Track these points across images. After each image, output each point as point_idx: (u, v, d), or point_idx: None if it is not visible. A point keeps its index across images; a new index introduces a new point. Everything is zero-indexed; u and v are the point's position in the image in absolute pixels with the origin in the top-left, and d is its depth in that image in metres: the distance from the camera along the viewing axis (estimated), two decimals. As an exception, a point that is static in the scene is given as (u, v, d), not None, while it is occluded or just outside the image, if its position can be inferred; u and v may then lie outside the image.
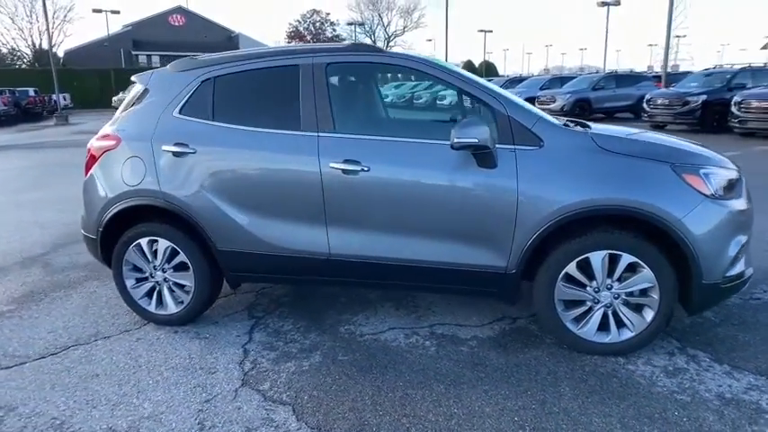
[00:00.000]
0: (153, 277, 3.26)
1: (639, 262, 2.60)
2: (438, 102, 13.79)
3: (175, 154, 3.06)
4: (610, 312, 2.72)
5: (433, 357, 2.83)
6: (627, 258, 2.62)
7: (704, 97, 12.93)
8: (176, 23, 48.91)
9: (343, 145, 2.86)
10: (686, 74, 21.58)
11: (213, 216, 3.03)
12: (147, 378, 2.72)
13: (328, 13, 57.15)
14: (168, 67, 3.35)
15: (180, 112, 3.13)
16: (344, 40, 57.26)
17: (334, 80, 3.12)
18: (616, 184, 2.58)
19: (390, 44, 59.51)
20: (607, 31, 40.55)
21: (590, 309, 2.75)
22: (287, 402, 2.47)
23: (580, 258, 2.66)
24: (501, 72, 69.51)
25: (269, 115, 3.05)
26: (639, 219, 2.56)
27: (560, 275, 2.70)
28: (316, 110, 2.91)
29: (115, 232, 3.25)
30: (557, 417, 2.30)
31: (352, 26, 52.59)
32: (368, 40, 58.03)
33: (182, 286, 3.23)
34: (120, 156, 3.16)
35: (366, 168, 2.80)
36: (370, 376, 2.67)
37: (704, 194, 2.57)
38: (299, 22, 57.52)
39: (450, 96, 3.14)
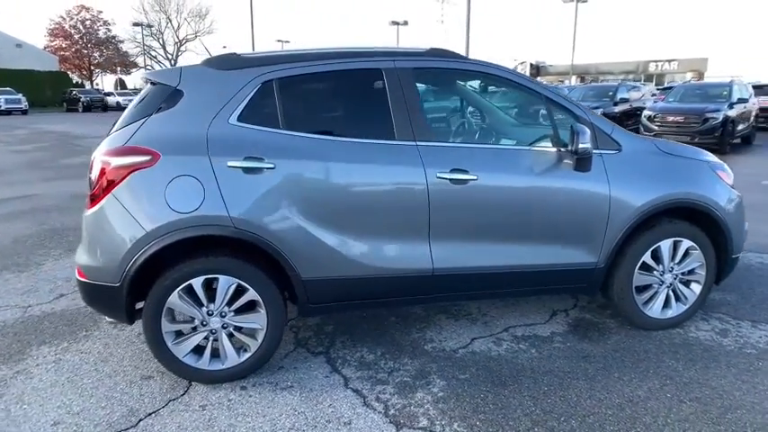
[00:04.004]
0: (205, 325, 2.60)
1: (694, 245, 3.10)
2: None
3: (247, 170, 2.52)
4: (670, 291, 3.17)
5: (543, 359, 2.89)
6: (686, 243, 3.09)
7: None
8: None
9: (447, 154, 2.74)
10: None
11: (299, 240, 2.58)
12: (276, 448, 2.19)
13: (100, 11, 50.11)
14: (203, 64, 2.72)
15: (239, 120, 2.58)
16: (122, 41, 51.12)
17: (422, 86, 2.95)
18: (681, 181, 3.03)
19: (181, 49, 55.46)
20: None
21: (656, 291, 3.15)
22: (466, 433, 2.27)
23: (654, 247, 3.05)
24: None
25: (354, 123, 2.74)
26: (699, 209, 3.05)
27: (638, 264, 3.05)
28: (410, 117, 2.72)
29: (148, 276, 2.51)
30: (694, 386, 2.60)
31: (139, 27, 47.34)
32: (156, 44, 53.11)
33: (241, 329, 2.66)
34: (162, 175, 2.46)
35: (475, 177, 2.72)
36: (512, 388, 2.61)
37: (730, 186, 3.20)
38: (64, 19, 49.55)
39: (516, 103, 3.25)
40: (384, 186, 2.67)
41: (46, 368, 2.87)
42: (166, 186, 2.45)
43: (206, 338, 2.63)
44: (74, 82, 47.46)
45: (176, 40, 54.40)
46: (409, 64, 2.80)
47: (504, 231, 2.84)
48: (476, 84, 3.62)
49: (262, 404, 2.51)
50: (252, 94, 2.62)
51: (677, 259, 3.11)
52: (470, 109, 3.47)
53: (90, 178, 2.58)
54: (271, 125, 2.61)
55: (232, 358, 2.65)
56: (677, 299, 3.19)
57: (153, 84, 2.72)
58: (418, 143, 2.71)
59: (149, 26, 49.84)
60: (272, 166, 2.54)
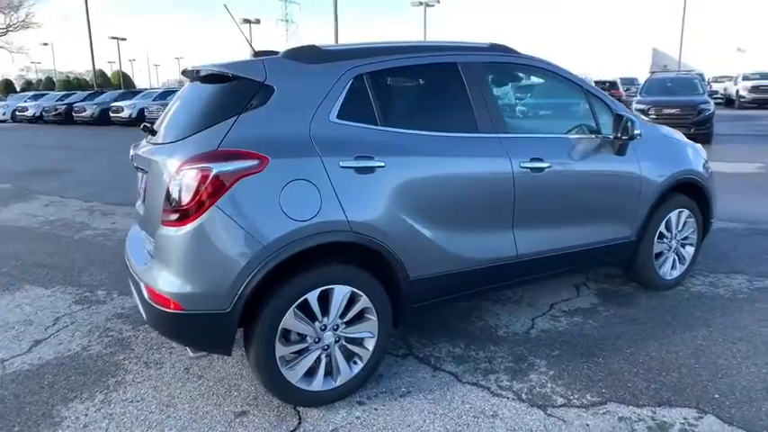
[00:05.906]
0: (318, 342, 2.39)
1: (690, 213, 3.66)
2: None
3: (359, 170, 2.36)
4: (675, 255, 3.70)
5: (603, 327, 3.18)
6: (685, 213, 3.63)
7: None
8: None
9: (523, 144, 2.87)
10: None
11: (408, 239, 2.50)
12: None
13: None
14: (286, 57, 2.46)
15: (338, 117, 2.40)
16: None
17: (491, 80, 3.00)
18: (683, 160, 3.55)
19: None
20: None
21: (666, 256, 3.65)
22: (595, 403, 2.44)
23: (666, 219, 3.53)
24: (137, 84, 65.26)
25: (441, 117, 2.72)
26: (694, 183, 3.59)
27: (656, 234, 3.50)
28: (488, 110, 2.79)
29: (259, 296, 2.22)
30: (730, 329, 3.09)
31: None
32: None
33: (351, 341, 2.49)
34: (274, 180, 2.20)
35: (549, 165, 2.89)
36: (603, 356, 2.84)
37: (707, 161, 3.83)
38: None
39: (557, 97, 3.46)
40: (480, 178, 2.71)
41: (102, 427, 2.37)
42: (280, 193, 2.19)
43: (317, 357, 2.40)
44: None
45: (-21, 36, 45.74)
46: (479, 59, 2.86)
47: (572, 213, 3.06)
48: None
49: (395, 415, 2.39)
50: (347, 88, 2.45)
51: (680, 227, 3.65)
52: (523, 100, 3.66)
53: (169, 192, 2.19)
54: (369, 121, 2.48)
55: (345, 373, 2.47)
56: (680, 261, 3.73)
57: (223, 78, 2.39)
58: (499, 135, 2.79)
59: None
60: (382, 164, 2.41)
